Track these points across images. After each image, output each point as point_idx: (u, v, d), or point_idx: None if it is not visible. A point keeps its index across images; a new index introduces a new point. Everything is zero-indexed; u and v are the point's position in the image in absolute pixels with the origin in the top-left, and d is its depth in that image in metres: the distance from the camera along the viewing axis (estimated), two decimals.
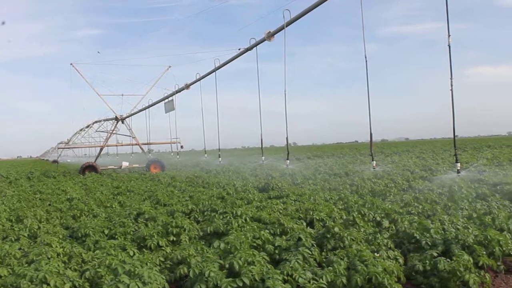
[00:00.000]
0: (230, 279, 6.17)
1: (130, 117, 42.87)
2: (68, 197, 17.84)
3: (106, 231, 10.37)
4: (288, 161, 19.65)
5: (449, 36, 11.82)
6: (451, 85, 11.59)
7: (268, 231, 9.35)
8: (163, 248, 8.93)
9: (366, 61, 15.27)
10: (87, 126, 62.22)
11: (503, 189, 14.61)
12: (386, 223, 10.40)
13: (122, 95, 42.19)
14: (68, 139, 78.46)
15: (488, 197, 13.50)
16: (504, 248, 7.97)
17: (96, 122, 54.19)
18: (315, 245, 8.32)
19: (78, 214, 13.36)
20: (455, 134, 12.66)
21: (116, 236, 9.90)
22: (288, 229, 9.56)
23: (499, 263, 7.89)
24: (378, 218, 10.74)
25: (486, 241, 8.12)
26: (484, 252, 7.80)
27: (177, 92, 35.32)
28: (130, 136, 42.70)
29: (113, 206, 15.17)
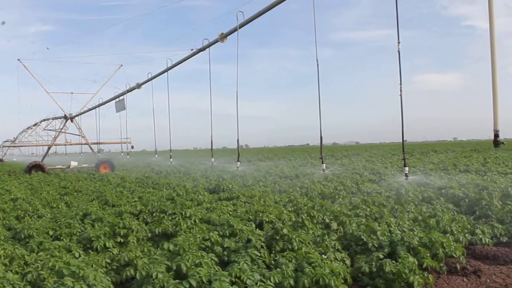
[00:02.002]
0: (177, 281, 6.11)
1: (79, 116, 42.03)
2: (13, 197, 17.28)
3: (51, 232, 10.10)
4: (239, 163, 19.61)
5: (398, 42, 12.03)
6: (400, 91, 11.80)
7: (217, 232, 9.32)
8: (110, 249, 8.76)
9: (317, 65, 15.41)
10: (35, 124, 60.46)
11: (448, 192, 15.02)
12: (334, 225, 10.53)
13: (72, 93, 41.37)
14: (14, 138, 76.16)
15: (433, 200, 13.88)
16: (447, 250, 8.20)
17: (44, 120, 52.72)
18: (264, 246, 8.35)
19: (22, 215, 12.98)
20: (404, 139, 12.91)
21: (62, 238, 9.65)
22: (238, 231, 9.55)
23: (441, 265, 8.12)
24: (326, 220, 10.87)
25: (430, 243, 8.33)
26: (428, 254, 8.00)
27: (128, 91, 34.81)
28: (79, 135, 41.89)
29: (60, 206, 14.82)
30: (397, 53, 11.94)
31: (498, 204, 12.43)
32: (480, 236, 9.97)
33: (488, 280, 7.82)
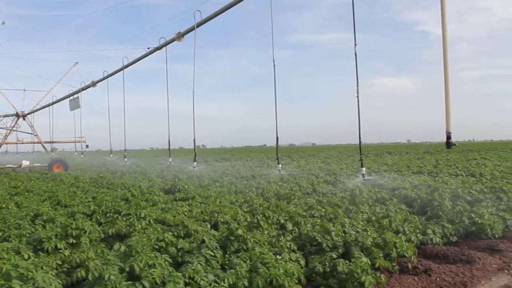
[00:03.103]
0: (130, 282, 6.02)
1: (32, 114, 41.04)
2: None
3: None
4: (195, 163, 19.57)
5: (355, 45, 12.22)
6: (357, 92, 12.00)
7: (172, 233, 9.23)
8: (61, 250, 8.56)
9: (274, 65, 15.51)
10: None
11: (401, 193, 15.31)
12: (289, 225, 10.58)
13: (24, 90, 40.42)
14: None
15: (387, 201, 14.10)
16: (399, 250, 8.35)
17: None
18: (218, 247, 8.30)
19: None
20: (360, 140, 13.09)
21: (10, 239, 9.35)
22: (192, 231, 9.49)
23: (394, 264, 8.25)
24: (282, 221, 10.91)
25: (383, 244, 8.47)
26: (381, 254, 8.13)
27: (83, 89, 34.28)
28: (31, 133, 40.86)
29: (9, 207, 14.38)
30: (354, 55, 12.12)
31: (449, 205, 12.76)
32: (431, 236, 10.20)
33: (438, 279, 8.01)
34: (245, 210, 12.61)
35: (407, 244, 8.64)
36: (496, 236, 10.81)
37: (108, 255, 7.63)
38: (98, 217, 12.00)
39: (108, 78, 30.22)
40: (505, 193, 14.43)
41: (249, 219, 11.06)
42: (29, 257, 7.77)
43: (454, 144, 8.61)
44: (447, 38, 9.10)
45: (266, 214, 11.28)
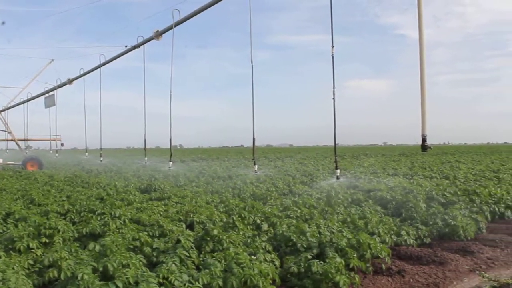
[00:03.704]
0: (103, 282, 5.96)
1: (6, 111, 40.35)
2: None
3: None
4: (171, 162, 19.47)
5: (332, 47, 12.28)
6: (333, 94, 12.05)
7: (147, 233, 9.18)
8: (33, 250, 8.44)
9: (252, 66, 15.52)
10: None
11: (376, 195, 15.43)
12: (265, 226, 10.59)
13: None
14: None
15: (362, 203, 14.20)
16: (373, 251, 8.41)
17: None
18: (194, 247, 8.27)
19: None
20: (336, 142, 13.15)
21: None
22: (168, 231, 9.45)
23: (368, 265, 8.30)
24: (257, 221, 10.91)
25: (358, 244, 8.53)
26: (355, 255, 8.18)
27: (59, 87, 33.80)
28: (5, 131, 40.21)
29: None
30: (331, 57, 12.18)
31: (423, 207, 12.91)
32: (405, 238, 10.30)
33: (411, 280, 8.08)
34: (221, 210, 12.59)
35: (381, 245, 8.72)
36: (469, 238, 10.96)
37: (81, 254, 7.55)
38: (72, 216, 11.87)
39: (85, 76, 29.91)
40: (478, 195, 14.63)
41: (225, 220, 11.05)
42: (0, 257, 7.64)
43: (430, 147, 8.72)
44: (424, 42, 9.21)
45: (242, 215, 11.27)
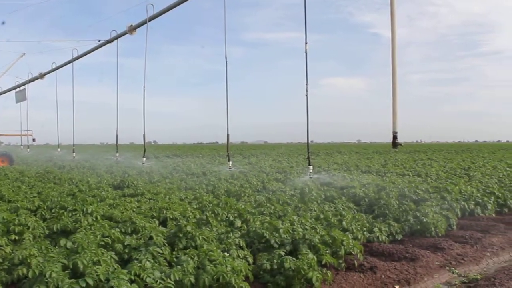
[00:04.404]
0: (73, 280, 5.88)
1: None
2: None
3: None
4: (145, 158, 19.30)
5: (306, 43, 12.31)
6: (307, 90, 12.09)
7: (119, 229, 9.08)
8: (2, 247, 8.28)
9: (226, 62, 15.49)
10: None
11: (349, 192, 15.53)
12: (238, 222, 10.57)
13: None
14: None
15: (336, 200, 14.28)
16: (346, 248, 8.46)
17: None
18: (166, 244, 8.22)
19: None
20: (310, 139, 13.19)
21: None
22: (140, 228, 9.36)
23: (340, 261, 8.36)
24: (231, 218, 10.89)
25: (331, 241, 8.57)
26: (328, 251, 8.23)
27: (30, 81, 33.15)
28: None
29: None
30: (305, 53, 12.22)
31: (395, 204, 13.02)
32: (377, 234, 10.40)
33: (383, 276, 8.16)
34: (195, 207, 12.55)
35: (354, 242, 8.77)
36: (440, 234, 11.12)
37: (51, 252, 7.43)
38: (43, 213, 11.69)
39: (57, 71, 29.43)
40: (449, 193, 14.83)
41: (198, 216, 11.01)
42: None
43: (400, 144, 8.78)
44: (396, 40, 9.28)
45: (216, 211, 11.25)
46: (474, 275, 8.64)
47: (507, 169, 26.34)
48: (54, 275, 5.89)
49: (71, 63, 26.49)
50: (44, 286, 5.79)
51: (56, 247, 7.81)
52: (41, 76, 31.63)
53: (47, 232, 9.62)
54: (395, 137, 8.73)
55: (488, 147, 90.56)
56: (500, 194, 15.32)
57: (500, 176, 21.67)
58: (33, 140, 38.80)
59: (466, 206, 13.80)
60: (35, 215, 11.12)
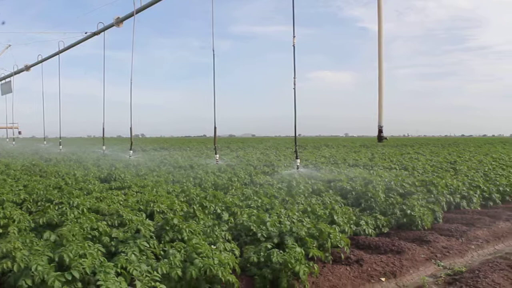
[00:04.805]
0: (59, 273, 5.85)
1: None
2: None
3: None
4: (131, 151, 19.23)
5: (294, 36, 12.30)
6: (294, 84, 12.08)
7: (106, 222, 9.05)
8: None
9: (213, 55, 15.44)
10: None
11: (336, 185, 15.59)
12: (225, 216, 10.56)
13: None
14: None
15: (323, 193, 14.33)
16: (332, 241, 8.50)
17: None
18: (153, 237, 8.21)
19: None
20: (297, 133, 13.19)
21: None
22: (127, 221, 9.32)
23: (327, 254, 8.39)
24: (218, 211, 10.88)
25: (318, 234, 8.60)
26: (315, 244, 8.25)
27: (16, 73, 32.93)
28: None
29: None
30: (292, 47, 12.21)
31: (382, 197, 13.10)
32: (364, 227, 10.46)
33: (369, 269, 8.22)
34: (182, 200, 12.52)
35: (340, 235, 8.81)
36: (425, 227, 11.21)
37: (37, 245, 7.38)
38: (29, 206, 11.61)
39: (44, 63, 29.22)
40: (435, 186, 14.93)
41: (185, 209, 10.99)
42: None
43: (385, 138, 8.79)
44: (383, 34, 9.28)
45: (203, 204, 11.25)
46: (459, 268, 8.73)
47: (493, 163, 26.58)
48: (39, 268, 5.85)
49: (57, 55, 26.31)
50: (29, 280, 5.75)
51: (41, 240, 7.75)
52: (27, 68, 31.41)
53: (32, 225, 9.53)
54: (380, 131, 8.73)
55: (474, 141, 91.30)
56: (485, 188, 15.46)
57: (486, 170, 21.87)
58: (19, 132, 38.66)
59: (452, 199, 13.92)
60: (20, 208, 11.03)
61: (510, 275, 8.00)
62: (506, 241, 10.97)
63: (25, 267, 6.03)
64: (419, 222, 11.18)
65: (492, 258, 9.47)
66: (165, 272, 6.41)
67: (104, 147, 23.25)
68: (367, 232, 10.37)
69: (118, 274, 6.17)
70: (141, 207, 11.23)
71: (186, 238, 8.22)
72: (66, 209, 10.36)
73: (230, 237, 8.81)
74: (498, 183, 16.43)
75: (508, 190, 15.89)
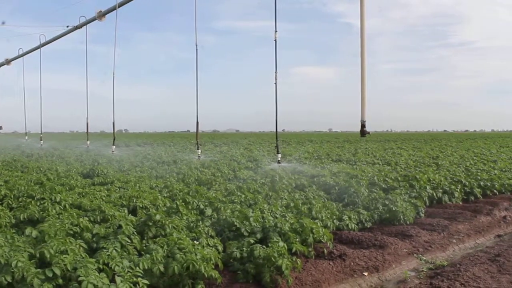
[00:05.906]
0: (39, 270, 5.78)
1: None
2: None
3: None
4: (114, 146, 19.14)
5: (275, 31, 12.33)
6: (276, 79, 12.12)
7: (88, 218, 8.97)
8: None
9: (196, 49, 15.42)
10: None
11: (320, 180, 15.63)
12: (209, 211, 10.54)
13: None
14: None
15: (306, 188, 14.37)
16: (315, 236, 8.51)
17: None
18: (136, 233, 8.16)
19: None
20: (281, 128, 13.23)
21: None
22: (109, 217, 9.26)
23: (310, 249, 8.41)
24: (201, 206, 10.86)
25: (301, 229, 8.62)
26: (298, 239, 8.26)
27: None
28: None
29: None
30: (274, 42, 12.25)
31: (365, 192, 13.16)
32: (347, 222, 10.50)
33: (352, 263, 8.24)
34: (165, 195, 12.48)
35: (323, 229, 8.82)
36: (408, 222, 11.28)
37: (18, 241, 7.30)
38: (10, 202, 11.45)
39: (25, 57, 28.94)
40: (418, 181, 15.03)
41: (168, 205, 10.95)
42: None
43: (368, 133, 8.89)
44: (365, 29, 9.35)
45: (186, 200, 11.22)
46: (441, 262, 8.81)
47: (474, 158, 26.85)
48: (20, 264, 5.78)
49: (38, 49, 26.05)
50: (9, 276, 5.68)
51: (22, 236, 7.67)
52: (7, 62, 31.05)
53: (13, 221, 9.42)
54: (363, 126, 8.83)
55: (456, 136, 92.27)
56: (467, 183, 15.59)
57: (467, 165, 22.07)
58: (0, 127, 38.08)
59: (434, 194, 14.02)
60: (1, 204, 10.91)
61: (490, 268, 8.09)
62: (487, 235, 11.10)
63: (5, 263, 5.95)
64: (402, 217, 11.25)
65: (473, 252, 9.58)
66: (147, 267, 6.37)
67: (88, 142, 23.08)
68: (350, 227, 10.40)
69: (100, 270, 6.11)
70: (124, 202, 11.17)
71: (169, 233, 8.19)
72: (48, 205, 10.28)
73: (213, 233, 8.79)
74: (479, 178, 16.57)
75: (489, 184, 16.03)
